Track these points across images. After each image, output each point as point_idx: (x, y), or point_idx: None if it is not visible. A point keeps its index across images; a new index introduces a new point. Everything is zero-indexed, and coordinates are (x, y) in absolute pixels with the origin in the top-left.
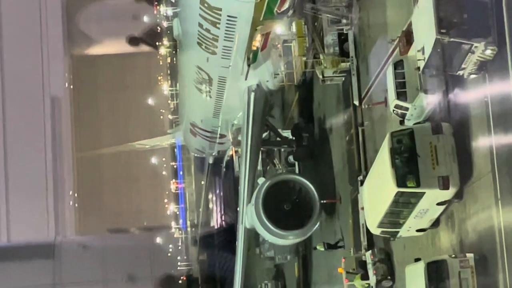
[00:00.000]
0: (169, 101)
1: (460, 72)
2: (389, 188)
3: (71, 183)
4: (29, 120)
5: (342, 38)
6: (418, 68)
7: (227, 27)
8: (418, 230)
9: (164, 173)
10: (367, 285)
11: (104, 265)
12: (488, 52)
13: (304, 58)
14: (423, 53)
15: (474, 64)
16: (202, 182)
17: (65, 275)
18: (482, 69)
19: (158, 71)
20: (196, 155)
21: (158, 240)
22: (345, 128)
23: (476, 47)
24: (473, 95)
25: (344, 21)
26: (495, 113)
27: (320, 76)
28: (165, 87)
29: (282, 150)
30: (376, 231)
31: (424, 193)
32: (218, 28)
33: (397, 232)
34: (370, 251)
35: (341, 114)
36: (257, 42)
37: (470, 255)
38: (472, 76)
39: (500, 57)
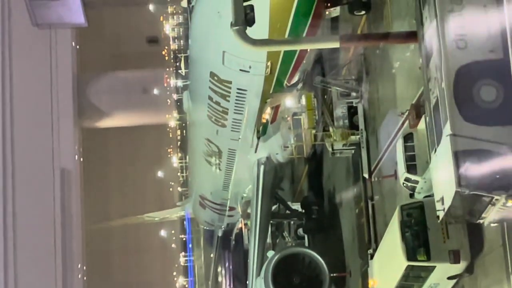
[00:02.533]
0: (179, 174)
1: (480, 221)
2: (400, 261)
3: (80, 256)
4: (38, 192)
5: (352, 111)
6: (438, 217)
7: (237, 100)
8: None
9: (173, 245)
10: None
11: None
12: (510, 204)
13: (314, 131)
14: (442, 203)
15: (495, 214)
16: (211, 255)
17: None
18: (503, 220)
19: (168, 143)
20: (205, 227)
21: None
22: (354, 201)
23: (497, 199)
24: None
25: (353, 94)
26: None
27: (330, 149)
28: (175, 160)
29: (292, 223)
30: None
31: (435, 267)
32: (228, 101)
33: None
34: None
35: (351, 187)
36: (267, 114)
37: None
38: (493, 224)
39: None
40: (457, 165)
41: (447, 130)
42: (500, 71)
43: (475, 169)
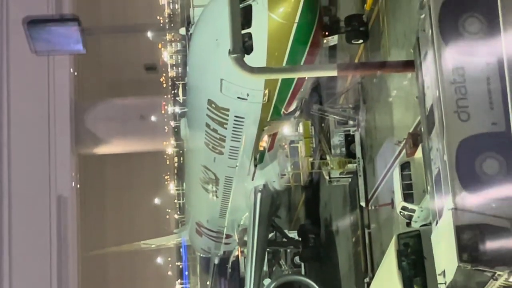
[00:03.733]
0: (175, 201)
1: None
2: None
3: (76, 284)
4: (35, 219)
5: (349, 139)
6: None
7: (234, 127)
8: None
9: (169, 273)
10: None
11: None
12: None
13: (311, 159)
14: (444, 277)
15: None
16: (208, 283)
17: None
18: None
19: (165, 170)
20: (201, 255)
21: None
22: (351, 229)
23: (499, 275)
24: None
25: (351, 122)
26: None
27: (327, 177)
28: (172, 186)
29: (288, 251)
30: None
31: None
32: (226, 129)
33: None
34: None
35: (348, 215)
36: (264, 142)
37: None
38: None
39: None
40: (458, 240)
41: (449, 203)
42: (503, 144)
43: (477, 244)
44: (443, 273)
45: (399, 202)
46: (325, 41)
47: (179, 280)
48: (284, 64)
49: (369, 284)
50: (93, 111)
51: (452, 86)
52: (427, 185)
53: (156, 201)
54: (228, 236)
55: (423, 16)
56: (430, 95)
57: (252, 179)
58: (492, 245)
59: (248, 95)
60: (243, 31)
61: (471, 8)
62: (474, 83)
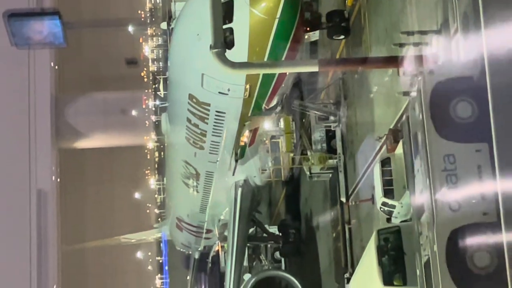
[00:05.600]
0: (156, 195)
1: None
2: (376, 286)
3: (55, 277)
4: (14, 213)
5: (330, 135)
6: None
7: (215, 122)
8: None
9: (149, 267)
10: None
11: None
12: None
13: (292, 154)
14: None
15: None
16: (188, 278)
17: None
18: None
19: (145, 165)
20: (182, 250)
21: None
22: (332, 225)
23: None
24: None
25: (332, 118)
26: None
27: (308, 173)
28: (152, 181)
29: (269, 246)
30: None
31: None
32: (207, 123)
33: None
34: None
35: (328, 210)
36: (245, 137)
37: None
38: None
39: None
40: None
41: None
42: (494, 235)
43: None
44: None
45: (380, 197)
46: (306, 36)
47: (159, 275)
48: (265, 59)
49: (349, 279)
50: (73, 105)
51: (443, 174)
52: (407, 183)
53: (137, 195)
54: (208, 231)
55: (413, 94)
56: (420, 179)
57: (233, 174)
58: None
59: (229, 90)
60: (225, 26)
61: (463, 92)
62: (465, 170)
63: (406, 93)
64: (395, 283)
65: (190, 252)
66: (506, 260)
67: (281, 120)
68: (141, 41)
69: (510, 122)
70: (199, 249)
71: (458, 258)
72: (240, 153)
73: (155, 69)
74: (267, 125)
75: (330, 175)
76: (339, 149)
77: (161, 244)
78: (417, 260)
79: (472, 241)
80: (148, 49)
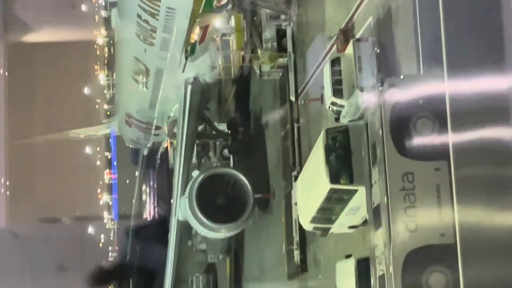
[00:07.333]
0: (105, 91)
1: None
2: (323, 184)
3: (4, 171)
4: None
5: (281, 34)
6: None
7: (166, 18)
8: (350, 227)
9: (98, 163)
10: None
11: (34, 254)
12: None
13: (242, 52)
14: None
15: None
16: (136, 173)
17: None
18: None
19: (95, 60)
20: (131, 146)
21: (90, 230)
22: (281, 124)
23: None
24: None
25: (283, 16)
26: None
27: (258, 71)
28: (102, 77)
29: (218, 143)
30: (308, 226)
31: (357, 190)
32: (157, 20)
33: (329, 228)
34: None
35: (277, 109)
36: (196, 35)
37: None
38: None
39: None
40: None
41: None
42: (450, 256)
43: None
44: None
45: (329, 97)
46: None
47: (107, 170)
48: None
49: (296, 177)
50: None
51: (401, 194)
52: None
53: (86, 91)
54: (157, 128)
55: (373, 113)
56: (377, 192)
57: (183, 71)
58: None
59: None
60: None
61: (423, 109)
62: (424, 190)
63: None
64: (341, 181)
65: (139, 148)
66: (460, 282)
67: (232, 17)
68: None
69: (468, 140)
70: (148, 145)
71: (413, 280)
72: (190, 50)
73: None
74: (218, 22)
75: (280, 73)
76: (290, 48)
77: (110, 140)
78: (371, 271)
79: (428, 261)
80: None
